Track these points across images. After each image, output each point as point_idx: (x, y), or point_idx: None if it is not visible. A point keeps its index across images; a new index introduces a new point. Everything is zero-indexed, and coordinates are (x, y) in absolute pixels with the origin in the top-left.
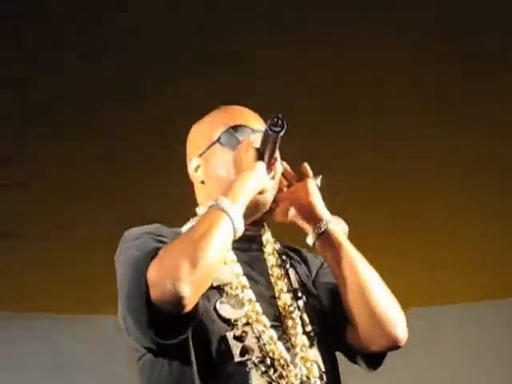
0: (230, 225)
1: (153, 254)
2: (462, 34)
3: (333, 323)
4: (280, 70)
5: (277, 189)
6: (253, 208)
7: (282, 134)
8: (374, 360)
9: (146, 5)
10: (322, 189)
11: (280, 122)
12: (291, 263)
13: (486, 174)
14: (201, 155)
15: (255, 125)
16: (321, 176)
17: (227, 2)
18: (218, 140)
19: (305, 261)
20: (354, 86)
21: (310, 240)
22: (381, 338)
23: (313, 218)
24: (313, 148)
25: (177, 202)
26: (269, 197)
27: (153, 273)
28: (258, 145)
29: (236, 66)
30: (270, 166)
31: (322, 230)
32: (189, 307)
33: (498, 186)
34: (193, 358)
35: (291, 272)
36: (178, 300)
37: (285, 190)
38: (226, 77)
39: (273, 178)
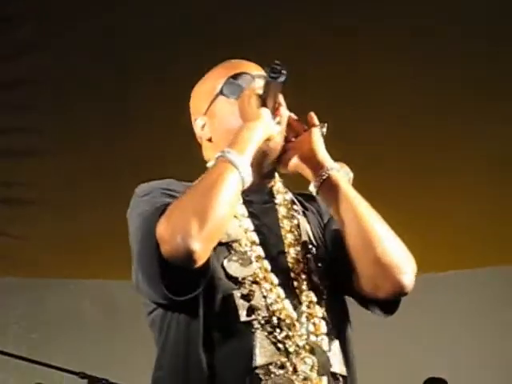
0: (238, 176)
1: (162, 209)
2: None
3: (340, 271)
4: None
5: (284, 133)
6: (261, 156)
7: (282, 80)
8: (385, 306)
9: None
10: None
11: (279, 67)
12: (304, 213)
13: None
14: (205, 113)
15: (255, 71)
16: (326, 124)
17: None
18: (221, 92)
19: (318, 209)
20: None
21: (312, 188)
22: (385, 284)
23: (315, 166)
24: None
25: (191, 164)
26: (277, 142)
27: (162, 229)
28: (260, 91)
29: None
30: (274, 112)
31: (324, 177)
32: (200, 262)
33: (497, 159)
34: (201, 316)
35: (302, 223)
36: (189, 255)
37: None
38: None
39: (279, 123)
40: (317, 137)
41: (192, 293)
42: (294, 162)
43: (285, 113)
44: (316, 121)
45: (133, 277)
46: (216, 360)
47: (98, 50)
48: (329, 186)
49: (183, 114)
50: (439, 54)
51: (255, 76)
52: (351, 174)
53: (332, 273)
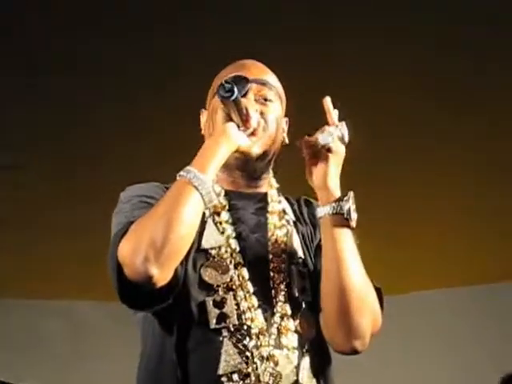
0: (197, 195)
1: (126, 229)
2: None
3: (318, 298)
4: None
5: (271, 138)
6: (240, 165)
7: (233, 97)
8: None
9: None
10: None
11: (228, 86)
12: (296, 223)
13: (474, 160)
14: (207, 108)
15: (254, 75)
16: (344, 123)
17: None
18: (217, 93)
19: (313, 218)
20: None
21: (316, 212)
22: (338, 341)
23: (323, 194)
24: None
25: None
26: (253, 152)
27: (122, 252)
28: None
29: None
30: (244, 123)
31: (326, 212)
32: (161, 283)
33: (484, 174)
34: (175, 322)
35: (291, 234)
36: (149, 279)
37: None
38: None
39: (252, 134)
40: (332, 164)
41: (158, 306)
42: (310, 181)
43: (255, 122)
44: (333, 115)
45: None
46: (187, 366)
47: None
48: (325, 226)
49: None
50: None
51: (251, 80)
52: (350, 205)
53: (316, 288)
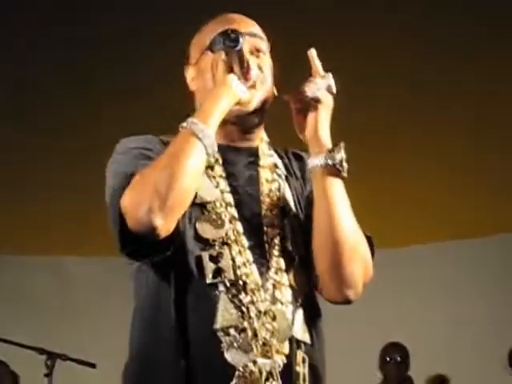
0: (201, 146)
1: (128, 181)
2: None
3: (309, 250)
4: None
5: (267, 91)
6: (236, 118)
7: (239, 47)
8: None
9: None
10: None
11: (233, 35)
12: (287, 177)
13: (467, 110)
14: (195, 64)
15: (244, 28)
16: (330, 74)
17: None
18: (209, 47)
19: (303, 172)
20: None
21: (308, 164)
22: (330, 291)
23: (314, 146)
24: None
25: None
26: (248, 106)
27: (126, 202)
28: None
29: None
30: (244, 76)
31: (317, 164)
32: (164, 234)
33: (482, 132)
34: (171, 274)
35: (283, 188)
36: (152, 229)
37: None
38: None
39: (252, 87)
40: (322, 115)
41: (154, 257)
42: (300, 133)
43: (254, 74)
44: (318, 66)
45: None
46: (184, 317)
47: None
48: (317, 176)
49: None
50: None
51: (244, 33)
52: (342, 155)
53: (308, 241)
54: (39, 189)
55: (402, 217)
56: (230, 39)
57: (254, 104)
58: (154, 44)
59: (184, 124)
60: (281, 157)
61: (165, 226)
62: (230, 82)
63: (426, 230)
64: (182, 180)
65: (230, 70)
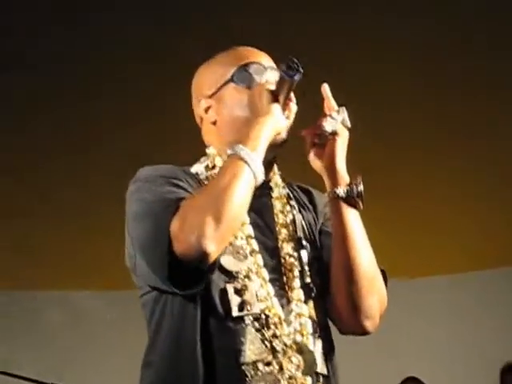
0: (251, 175)
1: (174, 207)
2: None
3: (327, 282)
4: None
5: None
6: (268, 150)
7: (297, 77)
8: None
9: None
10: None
11: (295, 65)
12: (299, 208)
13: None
14: (212, 95)
15: (266, 62)
16: (344, 108)
17: None
18: (232, 78)
19: (314, 205)
20: None
21: (325, 197)
22: (348, 322)
23: (331, 178)
24: None
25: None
26: (282, 137)
27: (177, 228)
28: (272, 86)
29: None
30: (284, 107)
31: (334, 196)
32: (212, 260)
33: (495, 156)
34: (198, 306)
35: (298, 219)
36: (203, 255)
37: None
38: None
39: (287, 117)
40: (339, 148)
41: (196, 287)
42: (316, 166)
43: (294, 108)
44: (332, 101)
45: (128, 258)
46: (208, 351)
47: None
48: (336, 208)
49: None
50: None
51: (267, 67)
52: (361, 188)
53: (322, 272)
54: (45, 220)
55: (418, 247)
56: (292, 68)
57: (284, 135)
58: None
59: (232, 151)
60: (290, 189)
61: (215, 253)
62: (275, 111)
63: (441, 261)
64: (234, 207)
65: (274, 99)
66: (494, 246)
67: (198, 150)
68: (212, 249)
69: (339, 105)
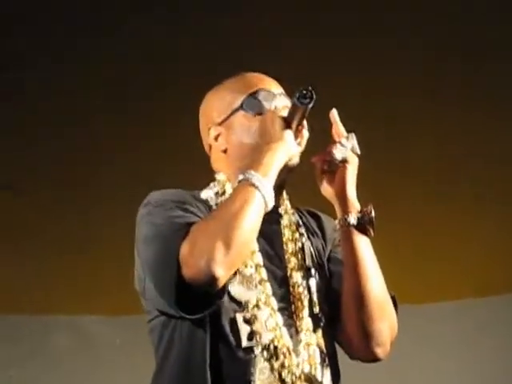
0: (262, 201)
1: (183, 231)
2: None
3: (337, 309)
4: None
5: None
6: (279, 176)
7: (311, 105)
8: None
9: None
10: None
11: (309, 93)
12: (308, 235)
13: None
14: (221, 123)
15: (276, 89)
16: (353, 135)
17: None
18: (241, 106)
19: (322, 231)
20: None
21: (336, 224)
22: (359, 349)
23: (342, 205)
24: None
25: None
26: (294, 163)
27: (187, 253)
28: (282, 113)
29: None
30: (297, 133)
31: (345, 223)
32: (220, 286)
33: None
34: (207, 333)
35: (306, 246)
36: (212, 280)
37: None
38: None
39: (299, 144)
40: (350, 175)
41: (205, 311)
42: (326, 193)
43: (306, 134)
44: (341, 128)
45: (137, 282)
46: (218, 378)
47: None
48: (347, 235)
49: None
50: None
51: (276, 94)
52: (372, 215)
53: (331, 300)
54: (54, 245)
55: (424, 273)
56: (306, 96)
57: (297, 161)
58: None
59: (244, 177)
60: (299, 215)
61: (224, 278)
62: (288, 137)
63: (447, 288)
64: (244, 233)
65: (287, 125)
66: (503, 272)
67: (200, 172)
68: (221, 273)
69: (348, 131)
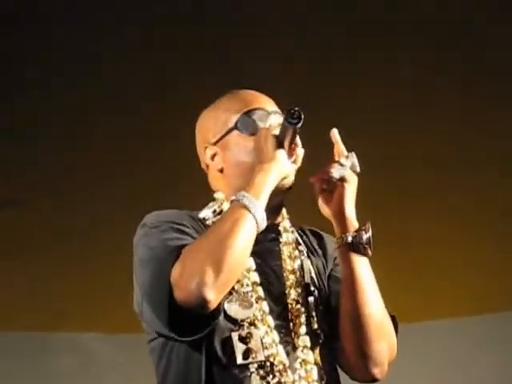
0: (253, 222)
1: (176, 253)
2: None
3: (336, 327)
4: None
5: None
6: (273, 195)
7: (299, 125)
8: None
9: None
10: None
11: (297, 113)
12: (308, 253)
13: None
14: (216, 143)
15: (270, 107)
16: (353, 153)
17: None
18: (236, 126)
19: (324, 250)
20: None
21: (335, 244)
22: (357, 369)
23: (340, 224)
24: None
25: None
26: (289, 181)
27: (177, 275)
28: (277, 131)
29: None
30: (290, 152)
31: (343, 242)
32: (212, 308)
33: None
34: (203, 354)
35: (306, 264)
36: (203, 303)
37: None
38: None
39: (294, 162)
40: (348, 194)
41: (199, 334)
42: (325, 211)
43: (301, 152)
44: (342, 147)
45: (136, 304)
46: None
47: None
48: (345, 255)
49: None
50: None
51: (271, 112)
52: (370, 234)
53: (331, 318)
54: (54, 265)
55: (420, 292)
56: (294, 116)
57: (292, 179)
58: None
59: (235, 197)
60: (300, 234)
61: (216, 301)
62: (281, 157)
63: (443, 306)
64: (235, 255)
65: (279, 145)
66: (499, 289)
67: (198, 193)
68: (212, 297)
69: (349, 150)
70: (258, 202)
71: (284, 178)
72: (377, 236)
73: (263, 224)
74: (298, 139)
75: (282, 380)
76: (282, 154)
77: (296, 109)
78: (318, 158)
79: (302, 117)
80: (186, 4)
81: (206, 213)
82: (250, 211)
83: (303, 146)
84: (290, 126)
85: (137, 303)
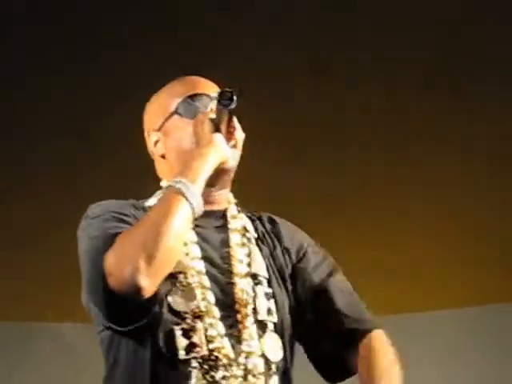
0: (188, 207)
1: (111, 241)
2: None
3: (303, 325)
4: None
5: (240, 154)
6: (215, 179)
7: (232, 107)
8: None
9: None
10: None
11: (229, 94)
12: (259, 241)
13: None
14: (159, 129)
15: (213, 92)
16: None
17: None
18: (176, 111)
19: (279, 238)
20: None
21: None
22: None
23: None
24: None
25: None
26: (231, 165)
27: (110, 262)
28: (213, 116)
29: None
30: (228, 136)
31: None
32: (147, 296)
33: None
34: (148, 347)
35: (254, 252)
36: (137, 290)
37: None
38: None
39: (234, 146)
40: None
41: (136, 323)
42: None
43: (240, 136)
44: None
45: (82, 297)
46: None
47: None
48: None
49: None
50: None
51: (213, 97)
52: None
53: (289, 313)
54: (38, 253)
55: (400, 284)
56: (226, 98)
57: (234, 163)
58: None
59: (171, 183)
60: (252, 220)
61: (150, 287)
62: (217, 141)
63: (423, 298)
64: (168, 240)
65: (216, 129)
66: (475, 285)
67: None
68: (145, 283)
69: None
70: (193, 187)
71: (223, 163)
72: (378, 226)
73: (200, 209)
74: (236, 123)
75: (228, 374)
76: (218, 137)
77: (228, 90)
78: None
79: (235, 98)
80: None
81: (152, 201)
82: (184, 196)
83: None
84: (223, 108)
85: (83, 296)
